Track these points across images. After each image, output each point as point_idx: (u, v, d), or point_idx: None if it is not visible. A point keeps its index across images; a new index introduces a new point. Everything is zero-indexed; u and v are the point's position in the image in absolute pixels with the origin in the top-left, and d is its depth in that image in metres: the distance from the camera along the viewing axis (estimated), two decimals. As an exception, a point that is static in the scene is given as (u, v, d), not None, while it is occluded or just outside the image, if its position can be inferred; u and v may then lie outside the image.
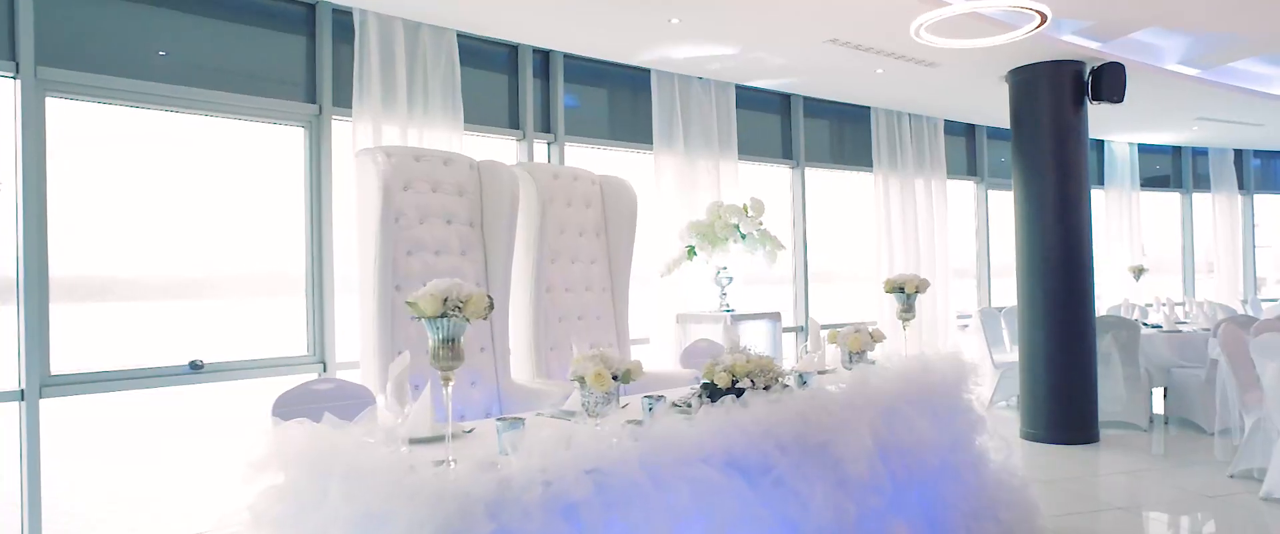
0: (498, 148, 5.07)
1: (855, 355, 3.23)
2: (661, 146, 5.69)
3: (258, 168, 4.29)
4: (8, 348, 3.44)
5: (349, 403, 3.02)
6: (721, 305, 5.54)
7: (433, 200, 3.70)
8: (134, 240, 3.91)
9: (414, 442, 2.36)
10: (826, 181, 6.96)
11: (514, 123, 5.16)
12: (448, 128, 4.58)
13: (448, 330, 1.99)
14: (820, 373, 3.45)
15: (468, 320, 1.99)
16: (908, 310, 3.64)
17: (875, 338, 3.25)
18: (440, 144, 4.47)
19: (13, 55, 3.44)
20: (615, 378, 2.25)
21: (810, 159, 6.75)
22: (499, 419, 2.20)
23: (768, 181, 6.56)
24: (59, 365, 3.57)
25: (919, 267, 7.13)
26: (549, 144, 5.32)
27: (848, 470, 2.52)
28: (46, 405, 3.49)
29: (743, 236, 5.40)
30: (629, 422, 2.39)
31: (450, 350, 2.00)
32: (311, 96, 4.33)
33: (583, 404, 2.26)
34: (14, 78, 3.45)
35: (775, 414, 2.42)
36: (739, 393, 2.60)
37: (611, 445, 2.04)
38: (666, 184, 5.71)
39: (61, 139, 3.61)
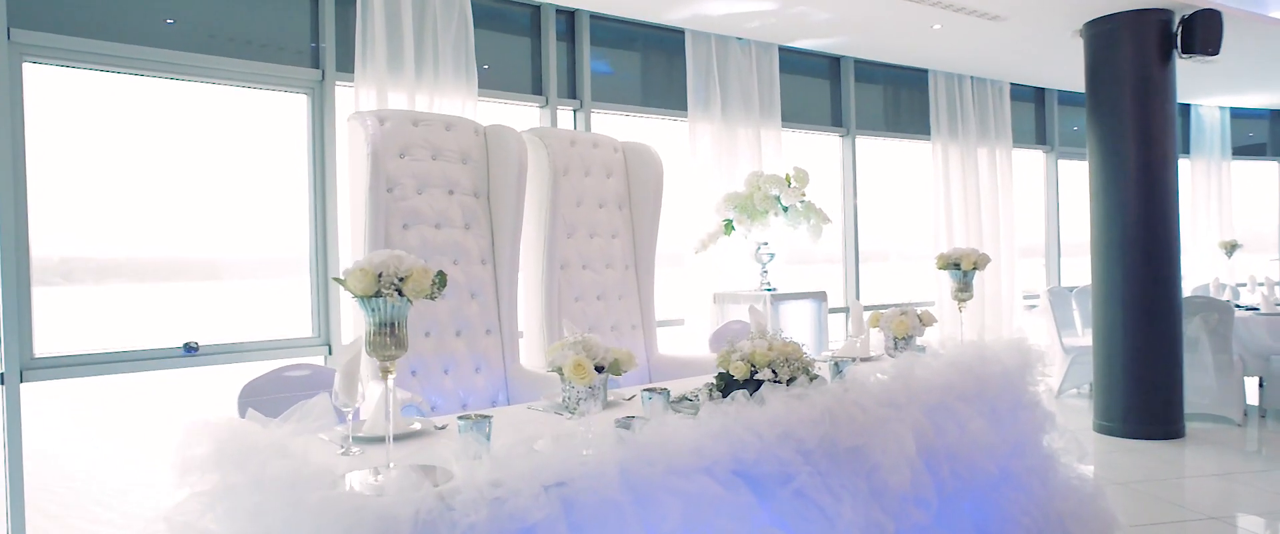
0: (518, 115, 4.73)
1: (901, 341, 2.80)
2: (697, 113, 5.28)
3: (259, 138, 4.04)
4: (-11, 329, 3.26)
5: (324, 390, 2.74)
6: (762, 284, 5.13)
7: (432, 168, 3.38)
8: (127, 218, 3.70)
9: (369, 441, 2.05)
10: (880, 151, 6.45)
11: (537, 88, 4.81)
12: (460, 93, 4.25)
13: (386, 313, 1.65)
14: (863, 360, 3.04)
15: (409, 301, 1.65)
16: (964, 290, 3.18)
17: (924, 321, 2.81)
18: (453, 112, 4.14)
19: (-16, 17, 3.23)
20: (600, 369, 1.89)
21: (862, 127, 6.24)
22: (461, 417, 1.86)
23: (815, 151, 6.09)
24: (45, 348, 3.39)
25: (981, 243, 6.58)
26: (575, 111, 4.96)
27: (885, 480, 2.12)
28: (29, 389, 3.31)
29: (784, 209, 4.96)
30: (622, 421, 2.03)
31: (390, 337, 1.66)
32: (315, 61, 4.05)
33: (563, 401, 1.91)
34: (-14, 41, 3.23)
35: (797, 412, 2.03)
36: (758, 386, 2.22)
37: (587, 453, 1.69)
38: (702, 153, 5.30)
39: (44, 109, 3.39)
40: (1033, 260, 7.38)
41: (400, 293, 1.62)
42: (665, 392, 2.15)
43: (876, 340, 3.23)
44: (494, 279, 3.51)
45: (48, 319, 3.41)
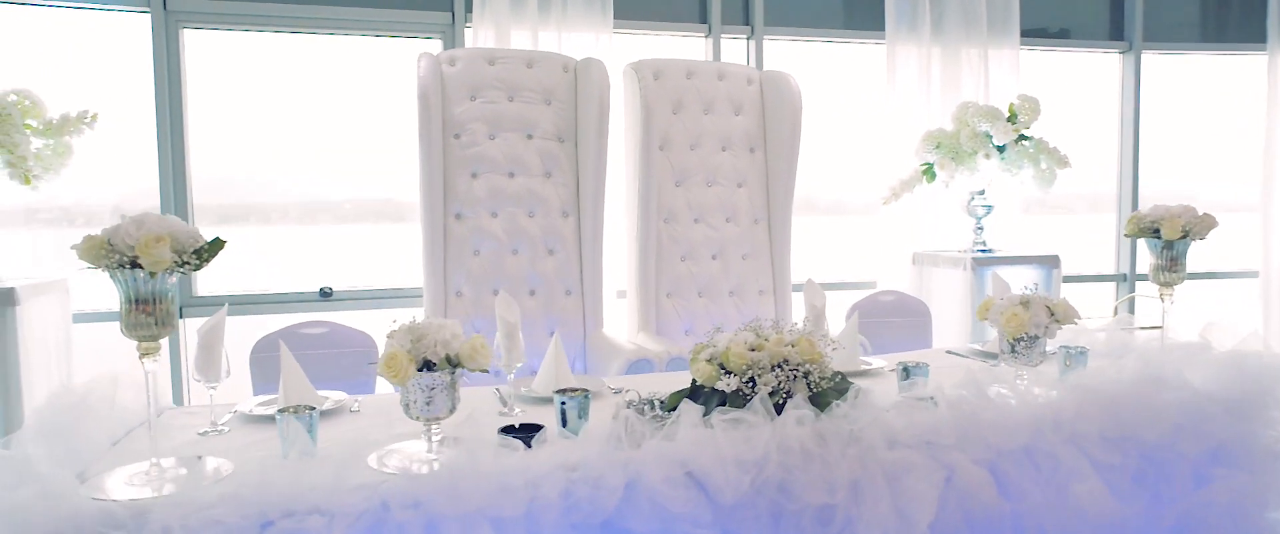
0: (672, 49, 4.21)
1: (1018, 343, 1.91)
2: (898, 34, 4.32)
3: (397, 87, 4.04)
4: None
5: (338, 351, 2.61)
6: (974, 243, 4.12)
7: (508, 110, 3.07)
8: (278, 166, 3.91)
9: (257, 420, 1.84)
10: (1184, 70, 4.84)
11: (700, 15, 4.24)
12: (593, 26, 3.84)
13: (135, 287, 1.37)
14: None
15: (151, 275, 1.35)
16: (1170, 268, 2.13)
17: (1058, 315, 1.88)
18: (583, 51, 3.75)
19: (143, -12, 3.52)
20: (427, 366, 1.45)
21: (1154, 37, 4.71)
22: (280, 411, 1.55)
23: (1076, 74, 4.75)
24: (206, 287, 3.73)
25: (1344, 192, 4.69)
26: (747, 39, 4.31)
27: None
28: (188, 324, 3.67)
29: (999, 150, 3.89)
30: (513, 430, 1.57)
31: (145, 313, 1.39)
32: (448, 3, 3.92)
33: (402, 401, 1.51)
34: (146, 12, 3.53)
35: (722, 448, 1.41)
36: (720, 399, 1.62)
37: (342, 479, 1.28)
38: (904, 83, 4.34)
39: (200, 69, 3.67)
40: None
41: (136, 266, 1.33)
42: (583, 395, 1.63)
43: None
44: (577, 233, 3.13)
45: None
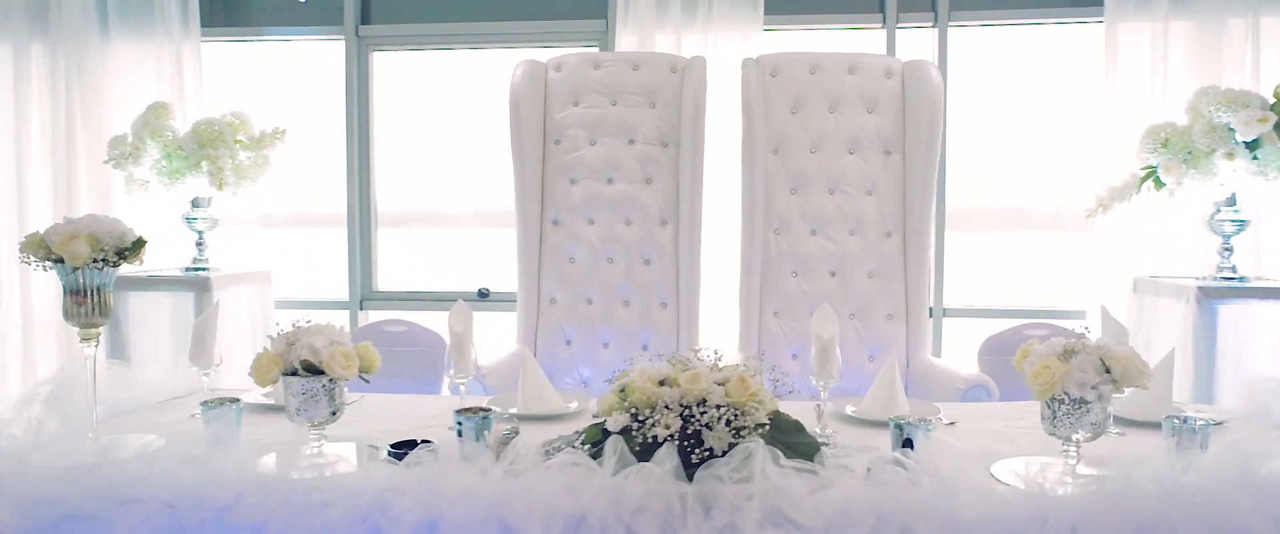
0: (836, 45, 3.84)
1: (1059, 406, 1.43)
2: (1123, 9, 3.54)
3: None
4: (343, 267, 4.10)
5: (414, 349, 2.75)
6: (1219, 268, 3.24)
7: (609, 114, 3.01)
8: (449, 173, 4.19)
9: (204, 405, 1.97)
10: None
11: (876, 4, 3.84)
12: (742, 24, 3.64)
13: (71, 279, 1.54)
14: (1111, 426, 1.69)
15: (74, 268, 1.50)
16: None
17: (1119, 375, 1.36)
18: (730, 52, 3.56)
19: (339, 19, 4.00)
20: (294, 372, 1.45)
21: None
22: (204, 402, 1.65)
23: None
24: (384, 283, 4.15)
25: None
26: (932, 26, 3.82)
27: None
28: (369, 315, 4.10)
29: (1248, 147, 3.01)
30: (412, 446, 1.53)
31: (79, 303, 1.55)
32: (602, 9, 3.96)
33: (285, 409, 1.52)
34: (340, 39, 4.01)
35: (535, 497, 1.24)
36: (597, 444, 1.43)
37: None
38: (1129, 69, 3.55)
39: (383, 87, 4.08)
40: None
41: (60, 261, 1.49)
42: (484, 415, 1.53)
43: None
44: (675, 242, 2.98)
45: (386, 259, 4.16)
